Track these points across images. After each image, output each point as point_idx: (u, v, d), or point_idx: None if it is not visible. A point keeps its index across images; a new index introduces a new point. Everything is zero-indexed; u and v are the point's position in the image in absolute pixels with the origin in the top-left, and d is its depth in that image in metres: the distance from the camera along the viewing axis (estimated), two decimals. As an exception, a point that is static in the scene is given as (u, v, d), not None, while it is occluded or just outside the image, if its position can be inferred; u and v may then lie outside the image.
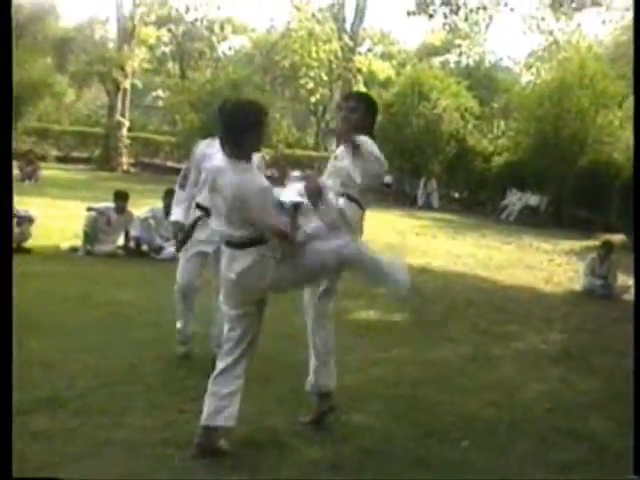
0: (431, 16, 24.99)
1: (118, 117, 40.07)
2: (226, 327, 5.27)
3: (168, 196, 12.95)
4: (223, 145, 5.11)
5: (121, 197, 13.37)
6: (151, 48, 46.17)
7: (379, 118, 23.20)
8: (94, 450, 5.03)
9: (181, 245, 7.32)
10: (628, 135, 29.65)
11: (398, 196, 33.80)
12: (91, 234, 13.07)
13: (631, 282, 14.29)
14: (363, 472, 5.03)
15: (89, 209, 13.44)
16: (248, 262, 5.00)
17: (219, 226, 5.15)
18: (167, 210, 13.11)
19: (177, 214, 7.35)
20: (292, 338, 7.59)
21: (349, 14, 44.00)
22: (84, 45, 47.17)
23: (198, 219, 7.13)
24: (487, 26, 33.12)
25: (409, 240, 17.80)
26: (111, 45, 45.13)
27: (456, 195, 35.99)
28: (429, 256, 14.78)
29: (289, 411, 5.97)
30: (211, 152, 6.65)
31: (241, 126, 5.01)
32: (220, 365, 5.23)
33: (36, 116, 40.15)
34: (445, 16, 24.73)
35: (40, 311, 8.37)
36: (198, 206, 7.11)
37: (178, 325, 7.35)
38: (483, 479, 5.16)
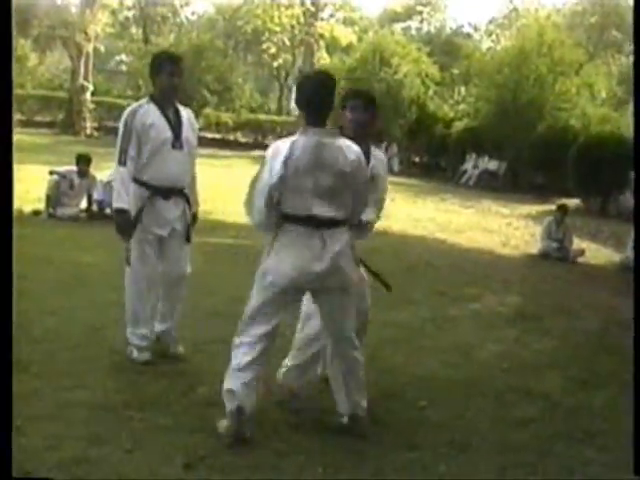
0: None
1: (81, 81, 39.70)
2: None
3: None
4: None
5: (84, 160, 13.38)
6: (114, 12, 45.67)
7: (341, 83, 22.92)
8: (56, 412, 5.07)
9: (130, 236, 6.16)
10: (584, 102, 29.97)
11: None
12: (54, 197, 13.08)
13: (585, 245, 14.62)
14: (324, 433, 5.11)
15: (52, 172, 13.42)
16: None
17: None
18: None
19: (123, 199, 6.13)
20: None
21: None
22: (47, 9, 46.48)
23: (148, 199, 6.21)
24: (449, -8, 33.35)
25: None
26: (74, 9, 44.60)
27: (416, 160, 36.13)
28: (389, 219, 14.78)
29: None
30: (153, 121, 6.16)
31: None
32: None
33: (-2, 80, 39.75)
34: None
35: (3, 274, 8.37)
36: (144, 184, 6.21)
37: (141, 329, 6.33)
38: (440, 437, 5.27)
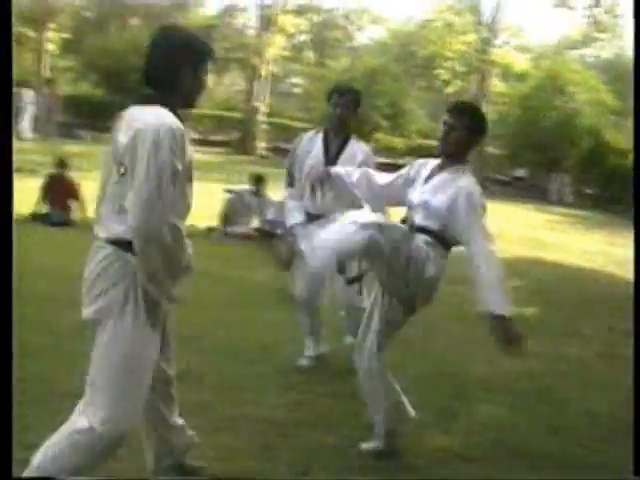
0: (572, 8, 24.55)
1: (255, 102, 40.48)
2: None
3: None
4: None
5: (258, 180, 13.64)
6: (289, 36, 46.44)
7: (515, 111, 22.66)
8: (228, 424, 5.16)
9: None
10: None
11: (529, 189, 33.36)
12: (229, 216, 13.36)
13: None
14: (487, 463, 5.05)
15: (228, 191, 13.72)
16: None
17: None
18: None
19: (295, 217, 6.60)
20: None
21: (487, 6, 43.64)
22: (225, 32, 47.88)
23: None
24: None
25: (541, 234, 17.59)
26: (250, 32, 45.68)
27: (589, 191, 35.30)
28: (562, 251, 14.57)
29: (418, 398, 6.06)
30: (311, 149, 6.38)
31: None
32: None
33: (177, 100, 40.90)
34: (587, 9, 24.26)
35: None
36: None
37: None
38: (609, 478, 5.11)
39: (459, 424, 5.70)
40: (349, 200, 5.80)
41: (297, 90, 56.71)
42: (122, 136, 3.54)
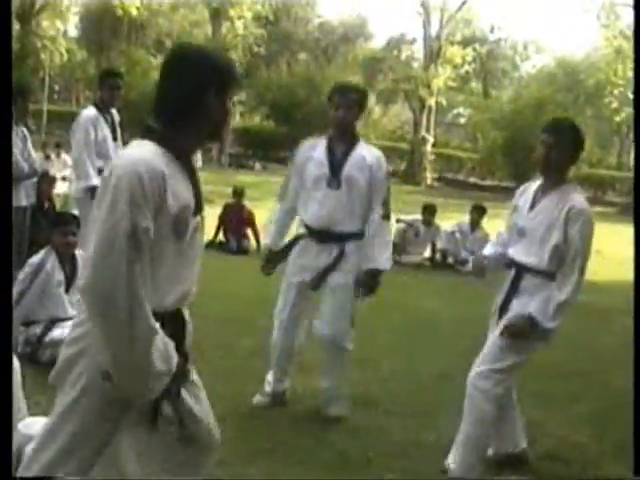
0: None
1: (423, 133, 40.61)
2: None
3: (475, 211, 13.46)
4: None
5: (429, 210, 13.72)
6: (455, 67, 46.62)
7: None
8: (404, 450, 5.18)
9: (267, 266, 5.86)
10: None
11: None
12: (400, 245, 13.41)
13: None
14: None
15: (398, 221, 13.79)
16: None
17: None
18: (473, 225, 13.49)
19: (268, 237, 6.01)
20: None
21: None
22: (391, 64, 48.45)
23: (298, 238, 5.80)
24: None
25: None
26: (416, 64, 46.01)
27: None
28: None
29: (595, 429, 6.03)
30: (312, 154, 5.70)
31: None
32: None
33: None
34: None
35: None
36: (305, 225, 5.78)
37: (269, 376, 5.96)
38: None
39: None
40: (350, 212, 5.63)
41: (462, 120, 56.66)
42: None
